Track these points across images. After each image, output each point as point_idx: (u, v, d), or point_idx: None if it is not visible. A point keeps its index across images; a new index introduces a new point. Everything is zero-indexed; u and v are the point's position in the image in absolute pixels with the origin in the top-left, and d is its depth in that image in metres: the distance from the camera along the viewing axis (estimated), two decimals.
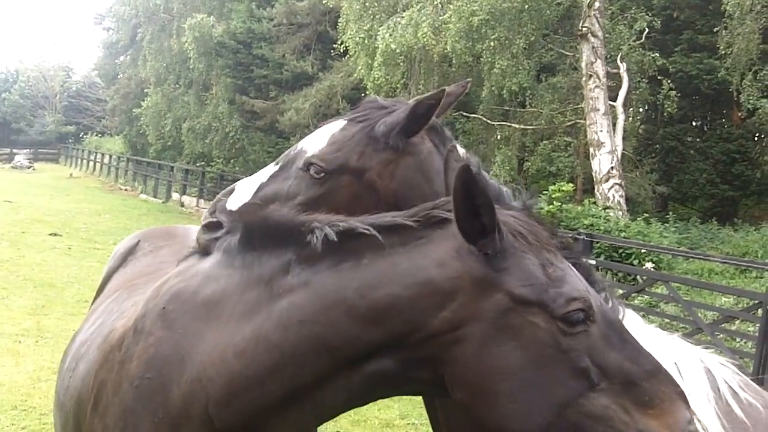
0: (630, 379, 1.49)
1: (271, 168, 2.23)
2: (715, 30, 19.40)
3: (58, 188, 30.44)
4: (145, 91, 36.22)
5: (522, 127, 21.22)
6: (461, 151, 2.27)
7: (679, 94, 20.58)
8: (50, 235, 15.87)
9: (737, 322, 9.96)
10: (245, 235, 1.79)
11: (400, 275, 1.57)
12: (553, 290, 1.50)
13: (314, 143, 2.17)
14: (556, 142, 21.00)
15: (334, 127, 2.21)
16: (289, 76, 26.56)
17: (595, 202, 16.21)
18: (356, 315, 1.57)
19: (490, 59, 18.07)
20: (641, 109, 25.89)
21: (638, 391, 1.49)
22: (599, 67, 17.44)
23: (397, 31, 17.66)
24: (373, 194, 2.13)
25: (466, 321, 1.51)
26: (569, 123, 20.63)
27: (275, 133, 26.90)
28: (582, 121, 18.87)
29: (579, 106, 19.58)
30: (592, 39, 17.44)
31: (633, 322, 2.08)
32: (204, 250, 1.95)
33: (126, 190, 33.18)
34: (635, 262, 12.86)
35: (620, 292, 10.10)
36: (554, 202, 14.55)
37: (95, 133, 52.45)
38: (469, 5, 16.77)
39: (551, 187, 15.41)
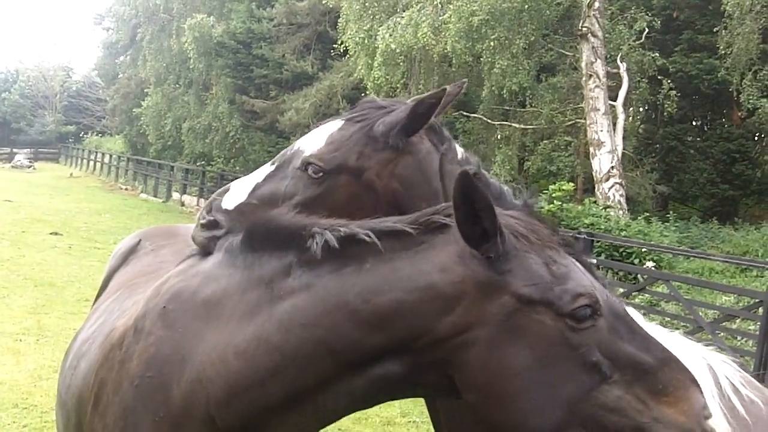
0: (642, 368, 1.49)
1: (267, 168, 2.21)
2: (714, 30, 19.41)
3: (59, 188, 30.43)
4: (145, 91, 36.21)
5: (522, 126, 21.22)
6: (459, 150, 2.26)
7: (679, 94, 20.55)
8: (50, 234, 15.87)
9: (738, 320, 9.97)
10: (247, 236, 1.79)
11: (403, 280, 1.56)
12: (558, 288, 1.50)
13: (312, 143, 2.16)
14: (556, 141, 20.99)
15: (332, 126, 2.19)
16: (289, 76, 26.54)
17: (595, 202, 16.21)
18: (359, 319, 1.57)
19: (490, 59, 18.06)
20: (641, 109, 25.87)
21: (651, 380, 1.49)
22: (599, 67, 17.44)
23: (397, 31, 17.64)
24: (372, 194, 2.12)
25: (472, 325, 1.51)
26: (569, 123, 20.62)
27: (275, 133, 26.87)
28: (582, 120, 18.86)
29: (579, 105, 19.58)
30: (592, 39, 17.44)
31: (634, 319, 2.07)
32: (202, 249, 1.95)
33: (126, 189, 33.16)
34: (636, 261, 12.87)
35: (621, 290, 10.11)
36: (555, 202, 14.57)
37: (95, 133, 52.50)
38: (469, 5, 16.76)
39: (551, 187, 15.44)
